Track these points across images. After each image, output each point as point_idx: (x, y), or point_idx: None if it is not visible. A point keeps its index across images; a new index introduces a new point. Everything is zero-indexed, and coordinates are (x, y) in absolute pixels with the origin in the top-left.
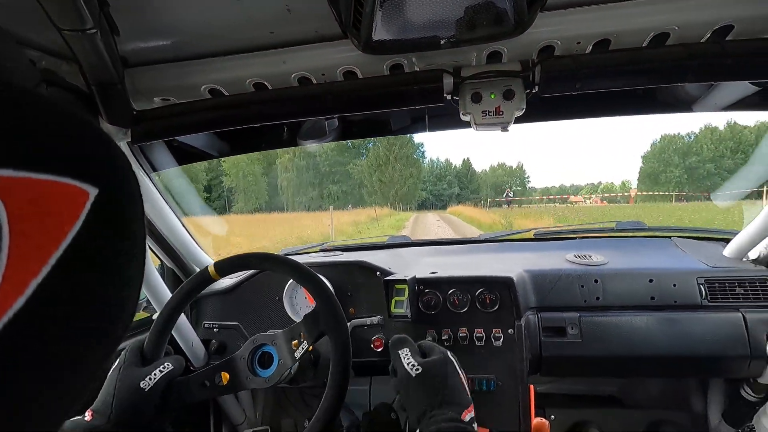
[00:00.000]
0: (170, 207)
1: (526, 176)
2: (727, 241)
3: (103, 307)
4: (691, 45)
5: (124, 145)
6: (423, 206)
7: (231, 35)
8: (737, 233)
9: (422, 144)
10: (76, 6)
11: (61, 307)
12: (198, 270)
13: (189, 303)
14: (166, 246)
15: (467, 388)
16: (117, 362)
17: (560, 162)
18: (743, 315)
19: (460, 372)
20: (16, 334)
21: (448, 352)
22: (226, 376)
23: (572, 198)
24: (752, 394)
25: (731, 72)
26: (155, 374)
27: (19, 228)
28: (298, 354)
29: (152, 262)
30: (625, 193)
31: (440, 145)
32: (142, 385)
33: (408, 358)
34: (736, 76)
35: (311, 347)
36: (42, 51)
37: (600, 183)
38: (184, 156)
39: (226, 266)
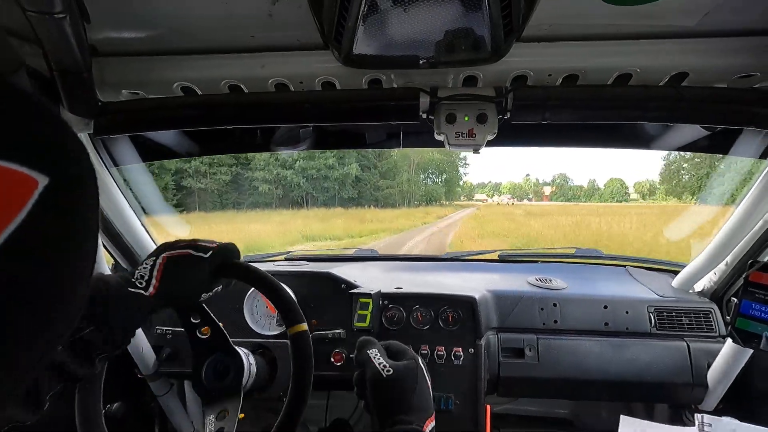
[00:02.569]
0: (130, 204)
1: (462, 159)
2: (676, 272)
3: (45, 303)
4: (650, 87)
5: (85, 137)
6: (295, 202)
7: (210, 34)
8: (685, 266)
9: None
10: None
11: None
12: None
13: None
14: (122, 245)
15: (431, 397)
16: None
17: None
18: (687, 344)
19: (427, 379)
20: None
21: (419, 357)
22: (206, 331)
23: (477, 196)
24: (692, 421)
25: (685, 115)
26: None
27: None
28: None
29: (105, 260)
30: (540, 190)
31: None
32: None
33: (379, 359)
34: (688, 120)
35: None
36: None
37: (499, 183)
38: (150, 153)
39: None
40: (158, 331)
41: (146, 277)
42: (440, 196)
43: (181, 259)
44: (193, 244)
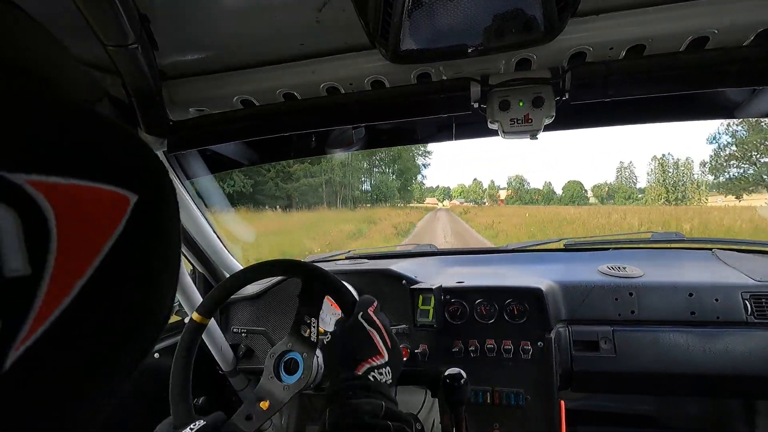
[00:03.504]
0: (203, 214)
1: (421, 146)
2: None
3: (139, 310)
4: (732, 49)
5: (160, 154)
6: None
7: (262, 48)
8: None
9: None
10: (120, 22)
11: (101, 308)
12: (227, 275)
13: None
14: (198, 251)
15: (380, 339)
16: None
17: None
18: None
19: (370, 328)
20: (60, 333)
21: (361, 314)
22: (266, 404)
23: (428, 200)
24: None
25: None
26: None
27: (66, 231)
28: (313, 338)
29: (185, 267)
30: (495, 194)
31: None
32: None
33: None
34: None
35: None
36: (87, 65)
37: (448, 187)
38: (216, 164)
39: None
40: (234, 330)
41: None
42: (392, 195)
43: None
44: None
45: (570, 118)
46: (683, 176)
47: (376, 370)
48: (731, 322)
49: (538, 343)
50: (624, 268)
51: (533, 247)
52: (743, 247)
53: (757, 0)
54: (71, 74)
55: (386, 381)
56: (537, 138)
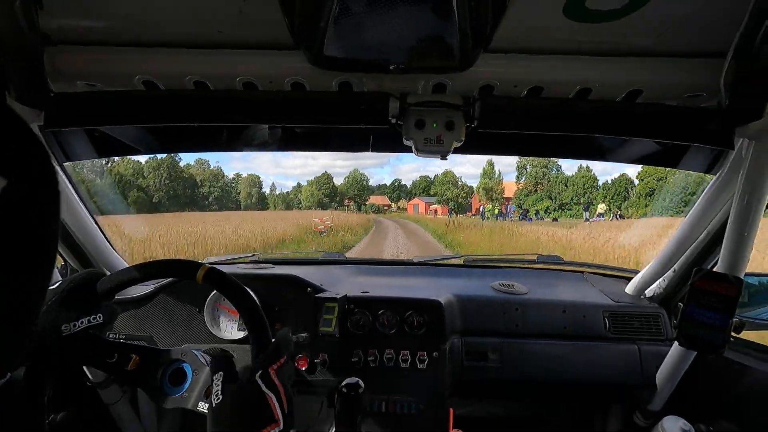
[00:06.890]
0: (83, 202)
1: None
2: (629, 278)
3: (8, 308)
4: (607, 102)
5: (34, 128)
6: None
7: (175, 27)
8: (638, 272)
9: None
10: None
11: None
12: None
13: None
14: (73, 245)
15: (277, 403)
16: (57, 285)
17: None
18: (638, 347)
19: (267, 391)
20: None
21: (260, 373)
22: (136, 361)
23: (372, 198)
24: (642, 420)
25: (637, 130)
26: (82, 322)
27: None
28: (206, 404)
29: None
30: (498, 187)
31: None
32: (63, 328)
33: (217, 386)
34: (641, 134)
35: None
36: None
37: (405, 184)
38: (105, 148)
39: (216, 278)
40: (111, 337)
41: None
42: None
43: None
44: None
45: (476, 143)
46: None
47: None
48: (594, 336)
49: (434, 354)
50: (513, 285)
51: (437, 262)
52: (607, 272)
53: (628, 63)
54: None
55: None
56: (446, 159)
